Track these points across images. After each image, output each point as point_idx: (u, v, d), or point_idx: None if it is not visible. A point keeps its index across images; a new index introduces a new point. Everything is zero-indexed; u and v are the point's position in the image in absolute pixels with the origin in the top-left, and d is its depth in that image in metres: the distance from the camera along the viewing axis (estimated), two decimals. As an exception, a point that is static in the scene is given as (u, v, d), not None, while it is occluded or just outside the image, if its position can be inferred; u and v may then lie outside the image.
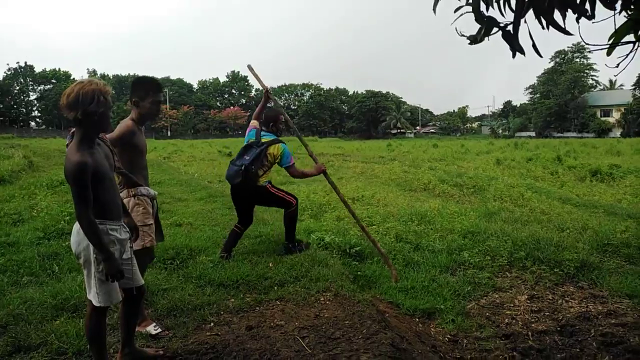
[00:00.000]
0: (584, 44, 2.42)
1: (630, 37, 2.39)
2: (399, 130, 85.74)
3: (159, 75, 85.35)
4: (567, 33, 2.12)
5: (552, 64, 74.96)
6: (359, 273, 5.16)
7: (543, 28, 2.12)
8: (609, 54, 2.45)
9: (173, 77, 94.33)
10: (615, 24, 2.24)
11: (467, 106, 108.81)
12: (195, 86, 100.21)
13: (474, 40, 2.28)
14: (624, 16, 2.35)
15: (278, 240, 5.97)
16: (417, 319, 4.28)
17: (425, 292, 4.78)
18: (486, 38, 2.26)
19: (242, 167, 5.18)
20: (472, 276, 5.31)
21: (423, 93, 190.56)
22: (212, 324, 3.81)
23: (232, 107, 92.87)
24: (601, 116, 68.92)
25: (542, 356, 3.62)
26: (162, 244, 4.96)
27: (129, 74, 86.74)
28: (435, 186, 12.39)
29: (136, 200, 3.64)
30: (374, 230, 7.12)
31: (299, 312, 3.92)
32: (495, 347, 3.76)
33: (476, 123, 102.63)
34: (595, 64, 71.50)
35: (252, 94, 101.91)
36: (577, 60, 72.42)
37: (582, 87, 70.88)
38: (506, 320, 4.32)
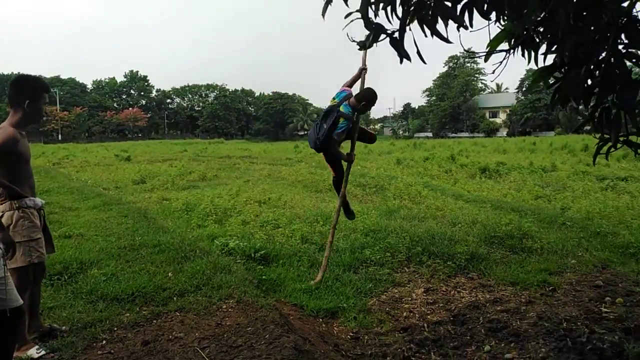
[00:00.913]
0: (464, 51, 2.60)
1: (505, 46, 2.61)
2: (306, 132, 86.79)
3: (47, 74, 78.69)
4: (447, 41, 2.25)
5: (446, 68, 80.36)
6: (263, 277, 5.12)
7: (426, 36, 2.23)
8: (486, 60, 2.64)
9: (64, 76, 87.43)
10: (490, 34, 2.43)
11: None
12: (90, 86, 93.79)
13: (363, 46, 2.35)
14: (498, 27, 2.55)
15: (178, 248, 5.75)
16: (321, 319, 4.33)
17: (329, 292, 4.85)
18: (375, 44, 2.34)
19: (318, 141, 5.37)
20: (374, 273, 5.49)
21: (328, 95, 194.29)
22: (104, 341, 3.56)
23: (131, 109, 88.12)
24: (490, 117, 75.05)
25: (437, 346, 3.82)
26: (48, 259, 4.55)
27: (12, 72, 78.80)
28: (340, 186, 12.67)
29: (20, 214, 3.31)
30: (280, 232, 7.12)
31: (200, 322, 3.79)
32: (394, 341, 3.91)
33: (379, 124, 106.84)
34: (484, 68, 77.69)
35: (153, 95, 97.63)
36: (468, 65, 78.15)
37: (472, 90, 76.66)
38: (404, 313, 4.51)
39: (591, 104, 2.47)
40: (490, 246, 6.48)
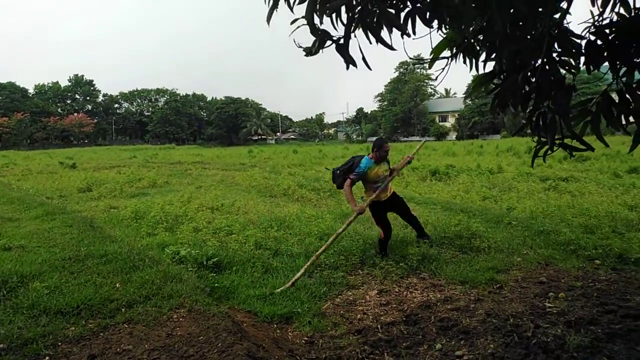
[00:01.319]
0: (410, 58, 2.67)
1: (448, 53, 2.69)
2: (260, 137, 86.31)
3: (-19, 77, 74.56)
4: (391, 48, 2.30)
5: (396, 73, 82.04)
6: (216, 285, 5.03)
7: (370, 43, 2.27)
8: (430, 66, 2.72)
9: (2, 80, 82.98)
10: (431, 42, 2.50)
11: (323, 113, 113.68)
12: (31, 91, 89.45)
13: (310, 52, 2.36)
14: (440, 35, 2.63)
15: (126, 257, 5.56)
16: (275, 325, 4.30)
17: (284, 297, 4.83)
18: (321, 50, 2.35)
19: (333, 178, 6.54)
20: (328, 276, 5.52)
21: (282, 100, 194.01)
22: (47, 358, 3.39)
23: (76, 114, 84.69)
24: (439, 121, 77.19)
25: (390, 346, 3.88)
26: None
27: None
28: (295, 191, 12.67)
29: None
30: (233, 239, 7.03)
31: (150, 334, 3.68)
32: (348, 344, 3.93)
33: (333, 129, 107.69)
34: (433, 74, 79.96)
35: (100, 100, 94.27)
36: (418, 70, 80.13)
37: (422, 95, 78.63)
38: (358, 316, 4.55)
39: (529, 109, 2.59)
40: (440, 247, 6.64)
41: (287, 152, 36.20)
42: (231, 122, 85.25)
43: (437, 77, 2.64)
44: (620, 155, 18.75)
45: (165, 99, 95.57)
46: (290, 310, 4.51)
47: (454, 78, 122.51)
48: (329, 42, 2.36)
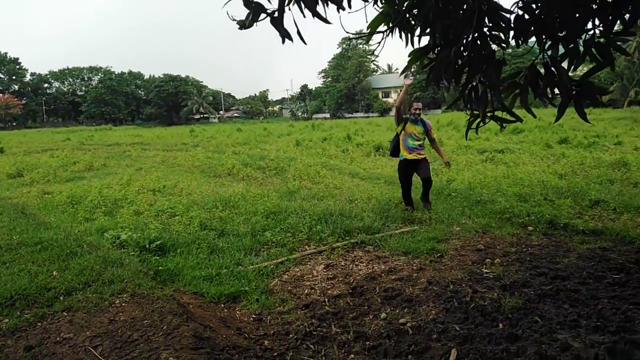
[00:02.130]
0: (345, 32, 2.66)
1: (384, 27, 2.71)
2: (202, 115, 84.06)
3: None
4: (327, 22, 2.29)
5: (339, 49, 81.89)
6: (160, 268, 4.91)
7: (305, 16, 2.24)
8: (367, 41, 2.72)
9: None
10: (366, 16, 2.51)
11: (267, 90, 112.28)
12: None
13: (243, 25, 2.30)
14: (376, 9, 2.64)
15: (63, 244, 5.32)
16: (223, 305, 4.28)
17: (231, 277, 4.80)
18: (255, 23, 2.30)
19: None
20: (275, 254, 5.54)
21: (224, 77, 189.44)
22: (-22, 353, 3.21)
23: (1, 95, 78.91)
24: (382, 97, 78.12)
25: (337, 318, 3.96)
26: None
27: None
28: (239, 170, 12.53)
29: None
30: (177, 220, 6.88)
31: (91, 321, 3.56)
32: (296, 318, 3.99)
33: (277, 106, 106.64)
34: (375, 49, 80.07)
35: (27, 79, 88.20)
36: (360, 46, 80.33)
37: (365, 71, 79.09)
38: (306, 291, 4.61)
39: (461, 83, 2.67)
40: (385, 220, 6.80)
41: (231, 130, 35.57)
42: (171, 101, 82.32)
43: (373, 52, 2.67)
44: (551, 127, 19.80)
45: (99, 77, 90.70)
46: (237, 290, 4.49)
47: (396, 54, 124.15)
48: (263, 15, 2.31)
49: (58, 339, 3.32)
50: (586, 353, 2.98)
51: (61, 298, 3.97)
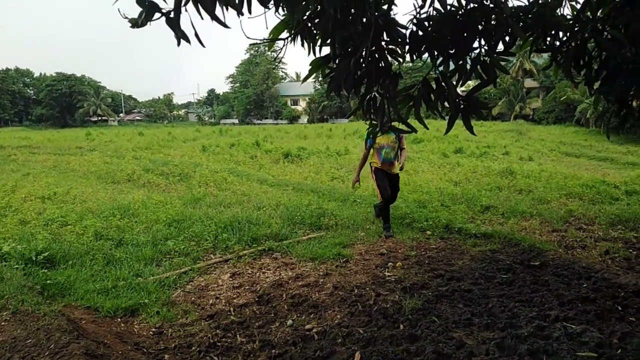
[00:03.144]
0: (246, 37, 2.64)
1: (286, 35, 2.73)
2: (100, 118, 78.78)
3: None
4: (225, 26, 2.25)
5: (247, 55, 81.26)
6: (48, 282, 4.49)
7: (202, 18, 2.19)
8: (269, 48, 2.72)
9: None
10: (267, 22, 2.51)
11: (172, 93, 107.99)
12: None
13: (136, 23, 2.19)
14: (277, 16, 2.64)
15: None
16: (119, 319, 4.02)
17: (129, 289, 4.54)
18: (148, 23, 2.20)
19: None
20: (178, 264, 5.32)
21: (124, 79, 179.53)
22: None
23: None
24: (291, 105, 78.68)
25: (243, 327, 3.90)
26: None
27: None
28: (140, 176, 11.92)
29: None
30: (69, 230, 6.36)
31: (-38, 345, 3.17)
32: (199, 330, 3.86)
33: (183, 110, 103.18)
34: (283, 57, 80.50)
35: None
36: (269, 53, 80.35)
37: (274, 78, 79.14)
38: (210, 301, 4.48)
39: (361, 93, 2.77)
40: (293, 226, 6.83)
41: (132, 134, 33.77)
42: (65, 102, 76.06)
43: (275, 59, 2.69)
44: (448, 138, 21.19)
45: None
46: (136, 302, 4.25)
47: (304, 62, 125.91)
48: (158, 15, 2.21)
49: None
50: (478, 349, 3.20)
51: None
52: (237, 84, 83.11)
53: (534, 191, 9.46)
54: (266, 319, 4.06)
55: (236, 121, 77.05)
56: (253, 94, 75.77)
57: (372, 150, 6.65)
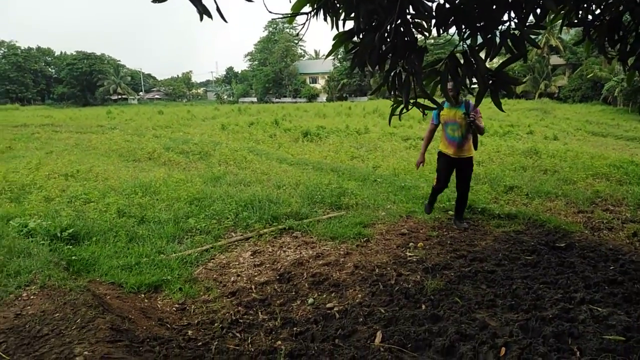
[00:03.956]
0: (268, 12, 2.57)
1: (308, 9, 2.65)
2: (120, 97, 79.48)
3: None
4: (249, 0, 2.19)
5: (266, 32, 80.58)
6: (73, 257, 4.57)
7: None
8: (290, 22, 2.66)
9: None
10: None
11: (191, 71, 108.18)
12: None
13: None
14: None
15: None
16: (143, 295, 4.08)
17: (152, 266, 4.59)
18: None
19: None
20: (200, 242, 5.36)
21: (144, 56, 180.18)
22: None
23: None
24: (310, 83, 78.12)
25: (264, 305, 3.92)
26: None
27: None
28: (161, 154, 12.01)
29: None
30: (92, 207, 6.46)
31: (-7, 317, 3.25)
32: (221, 307, 3.89)
33: (202, 89, 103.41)
34: (305, 33, 79.23)
35: None
36: (287, 30, 79.46)
37: (293, 55, 78.45)
38: (232, 278, 4.51)
39: (385, 69, 2.69)
40: (312, 205, 6.82)
41: (152, 113, 34.00)
42: (85, 80, 76.79)
43: (297, 33, 2.61)
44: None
45: (2, 52, 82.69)
46: (159, 279, 4.30)
47: (323, 40, 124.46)
48: None
49: (-46, 337, 2.99)
50: (502, 331, 3.16)
51: (-43, 293, 3.59)
52: (256, 62, 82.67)
53: (560, 171, 9.25)
54: (287, 296, 4.07)
55: (255, 99, 76.95)
56: (271, 71, 75.35)
57: (442, 133, 5.76)
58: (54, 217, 5.76)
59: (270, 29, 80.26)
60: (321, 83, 75.97)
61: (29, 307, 3.38)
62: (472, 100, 5.44)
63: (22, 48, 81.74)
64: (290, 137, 16.62)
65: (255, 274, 4.62)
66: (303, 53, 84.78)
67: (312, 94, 72.26)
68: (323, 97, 70.84)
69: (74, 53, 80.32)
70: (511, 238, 5.33)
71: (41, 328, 3.08)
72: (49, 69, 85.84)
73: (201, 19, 2.29)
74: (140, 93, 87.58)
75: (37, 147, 14.46)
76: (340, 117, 26.21)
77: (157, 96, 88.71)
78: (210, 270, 4.69)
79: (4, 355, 2.77)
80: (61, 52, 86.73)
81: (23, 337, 2.98)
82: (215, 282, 4.41)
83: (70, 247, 4.90)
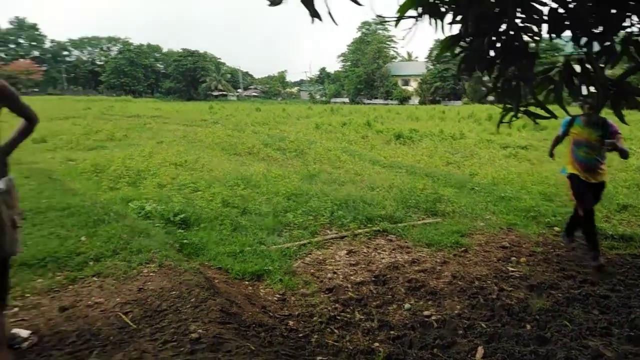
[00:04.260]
0: (377, 16, 2.59)
1: (413, 12, 2.63)
2: (220, 93, 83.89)
3: None
4: (357, 3, 2.23)
5: (359, 33, 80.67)
6: (185, 241, 4.94)
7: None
8: (396, 25, 2.66)
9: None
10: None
11: (285, 71, 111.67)
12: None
13: (274, 1, 2.25)
14: None
15: (90, 211, 5.36)
16: (247, 282, 4.30)
17: (254, 255, 4.83)
18: (285, 0, 2.24)
19: None
20: (297, 236, 5.54)
21: (241, 55, 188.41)
22: (16, 309, 3.28)
23: (22, 60, 79.21)
24: (402, 85, 77.12)
25: (361, 305, 3.96)
26: None
27: None
28: (260, 150, 12.52)
29: None
30: (199, 196, 6.90)
31: (120, 287, 3.61)
32: (320, 302, 3.99)
33: (295, 88, 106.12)
34: (394, 36, 78.66)
35: (47, 46, 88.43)
36: (380, 32, 78.93)
37: (385, 57, 77.87)
38: (328, 275, 4.61)
39: (494, 75, 2.60)
40: (407, 209, 6.75)
41: (250, 109, 35.54)
42: (190, 76, 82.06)
43: (404, 37, 2.59)
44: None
45: (118, 48, 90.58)
46: (260, 268, 4.51)
47: (416, 42, 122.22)
48: None
49: (89, 302, 3.37)
50: (619, 362, 2.93)
51: (91, 263, 4.03)
52: (348, 63, 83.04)
53: (683, 192, 8.34)
54: (383, 299, 4.08)
55: (346, 100, 77.40)
56: (364, 73, 75.33)
57: (569, 146, 5.04)
58: (166, 202, 6.24)
59: (364, 30, 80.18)
60: (413, 85, 74.65)
61: (149, 283, 3.70)
62: (606, 116, 4.42)
63: (135, 44, 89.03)
64: (382, 139, 16.53)
65: (351, 273, 4.67)
66: (395, 55, 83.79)
67: (403, 97, 71.26)
68: (415, 100, 69.58)
69: (180, 50, 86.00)
70: (627, 262, 4.90)
71: (160, 303, 3.36)
72: (158, 64, 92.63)
73: (312, 21, 2.35)
74: (239, 90, 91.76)
75: (149, 136, 15.68)
76: (434, 121, 25.60)
77: (254, 94, 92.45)
78: (308, 265, 4.83)
79: (130, 323, 3.06)
80: (168, 49, 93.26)
81: (145, 309, 3.28)
82: (312, 277, 4.53)
83: (182, 231, 5.30)
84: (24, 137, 2.74)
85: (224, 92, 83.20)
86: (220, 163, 10.22)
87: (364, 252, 5.24)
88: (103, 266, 3.96)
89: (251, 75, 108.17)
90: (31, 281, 3.67)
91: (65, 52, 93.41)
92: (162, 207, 5.85)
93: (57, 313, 3.20)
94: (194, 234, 5.27)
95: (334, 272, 4.68)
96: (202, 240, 5.06)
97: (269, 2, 2.36)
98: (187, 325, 3.01)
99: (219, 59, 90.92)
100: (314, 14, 2.33)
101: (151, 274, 3.88)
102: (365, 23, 79.34)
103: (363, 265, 4.86)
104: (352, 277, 4.55)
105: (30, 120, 2.75)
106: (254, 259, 4.73)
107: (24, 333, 2.83)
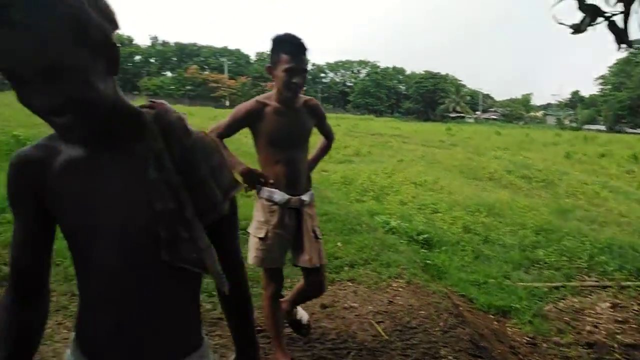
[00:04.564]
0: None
1: None
2: (458, 114, 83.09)
3: (218, 43, 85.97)
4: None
5: (625, 54, 69.70)
6: (428, 262, 5.00)
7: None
8: None
9: (231, 47, 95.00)
10: None
11: (531, 93, 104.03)
12: (253, 57, 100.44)
13: (577, 29, 2.06)
14: None
15: (344, 219, 5.87)
16: (492, 316, 4.10)
17: (498, 289, 4.58)
18: (589, 27, 2.04)
19: None
20: (548, 277, 5.05)
21: (483, 77, 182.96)
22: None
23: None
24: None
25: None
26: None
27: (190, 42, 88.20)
28: (502, 176, 11.89)
29: (258, 204, 2.69)
30: (439, 217, 6.92)
31: (372, 296, 3.84)
32: (577, 356, 3.54)
33: (541, 112, 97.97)
34: None
35: (309, 69, 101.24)
36: (660, 51, 66.64)
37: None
38: (587, 327, 4.05)
39: None
40: None
41: (489, 133, 34.17)
42: (429, 97, 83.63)
43: None
44: None
45: (366, 70, 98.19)
46: (507, 304, 4.24)
47: None
48: (600, 19, 2.03)
49: (345, 305, 3.67)
50: None
51: (346, 268, 4.39)
52: (609, 86, 72.79)
53: None
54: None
55: (602, 127, 67.82)
56: (627, 98, 64.83)
57: None
58: (409, 220, 6.43)
59: (632, 49, 68.82)
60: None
61: (398, 298, 3.85)
62: None
63: (382, 67, 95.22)
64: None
65: (617, 331, 4.01)
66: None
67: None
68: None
69: (422, 72, 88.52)
70: None
71: (410, 320, 3.45)
72: (400, 86, 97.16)
73: (618, 48, 2.11)
74: (477, 112, 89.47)
75: (390, 154, 16.46)
76: None
77: (493, 116, 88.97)
78: (562, 311, 4.34)
79: (383, 333, 3.22)
80: (411, 72, 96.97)
81: (396, 323, 3.40)
82: (567, 326, 4.05)
83: (425, 251, 5.37)
84: (324, 153, 3.10)
85: (461, 114, 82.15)
86: (460, 186, 10.06)
87: (634, 310, 4.44)
88: (356, 273, 4.27)
89: (492, 98, 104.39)
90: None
91: (322, 74, 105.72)
92: (405, 225, 6.04)
93: (319, 309, 3.57)
94: (436, 255, 5.28)
95: (594, 326, 4.09)
96: (444, 264, 5.04)
97: (571, 30, 2.25)
98: (437, 349, 3.02)
99: (460, 80, 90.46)
100: (625, 41, 2.12)
101: (399, 288, 4.02)
102: (634, 41, 68.27)
103: (633, 325, 4.12)
104: (618, 336, 3.91)
105: (329, 138, 3.09)
106: (498, 292, 4.48)
107: (305, 318, 3.10)
